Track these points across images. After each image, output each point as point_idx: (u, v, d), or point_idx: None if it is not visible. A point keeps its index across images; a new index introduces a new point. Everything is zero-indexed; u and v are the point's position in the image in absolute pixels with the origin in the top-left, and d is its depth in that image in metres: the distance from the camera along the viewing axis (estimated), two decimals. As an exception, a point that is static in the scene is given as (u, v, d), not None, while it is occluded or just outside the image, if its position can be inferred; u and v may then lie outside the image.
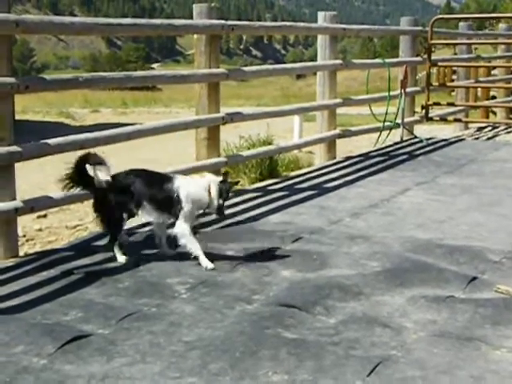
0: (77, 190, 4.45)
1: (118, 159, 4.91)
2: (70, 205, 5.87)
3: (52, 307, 3.66)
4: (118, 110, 25.52)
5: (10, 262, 4.46)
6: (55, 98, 26.74)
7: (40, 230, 6.31)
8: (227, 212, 4.79)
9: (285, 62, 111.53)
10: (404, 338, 3.31)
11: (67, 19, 5.20)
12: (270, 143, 8.49)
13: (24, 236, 5.90)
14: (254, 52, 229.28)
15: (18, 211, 4.57)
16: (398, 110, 9.61)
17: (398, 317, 3.57)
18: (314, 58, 9.59)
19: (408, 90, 9.77)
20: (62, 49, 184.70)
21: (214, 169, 6.52)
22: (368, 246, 4.79)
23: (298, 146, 8.76)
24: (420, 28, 10.53)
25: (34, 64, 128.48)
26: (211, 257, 4.47)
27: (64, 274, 4.18)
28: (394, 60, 10.44)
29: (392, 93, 9.47)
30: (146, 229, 5.24)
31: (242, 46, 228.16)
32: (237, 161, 7.23)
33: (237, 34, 7.63)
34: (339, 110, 8.82)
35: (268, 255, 4.58)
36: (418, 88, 10.61)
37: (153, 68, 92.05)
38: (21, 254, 4.77)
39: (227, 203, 5.62)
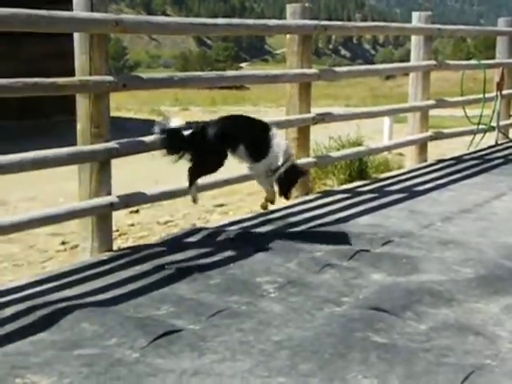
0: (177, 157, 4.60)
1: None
2: (161, 201, 5.97)
3: (144, 301, 3.73)
4: (208, 109, 25.83)
5: (105, 256, 4.58)
6: (147, 96, 27.28)
7: (132, 225, 6.45)
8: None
9: (374, 63, 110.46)
10: (498, 347, 3.22)
11: (163, 19, 5.30)
12: (359, 144, 8.41)
13: (117, 231, 6.03)
14: (343, 52, 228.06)
15: (113, 206, 4.69)
16: (494, 112, 9.36)
17: (492, 325, 3.48)
18: (403, 58, 9.50)
19: (504, 92, 9.51)
20: (153, 47, 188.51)
21: (304, 169, 6.51)
22: (461, 251, 4.68)
23: (389, 148, 8.65)
24: (518, 29, 10.21)
25: (127, 62, 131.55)
26: (299, 258, 4.48)
27: (156, 268, 4.26)
28: (491, 61, 10.18)
29: (487, 95, 9.23)
30: (237, 226, 5.30)
31: (330, 46, 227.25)
32: (326, 161, 7.20)
33: (329, 34, 7.61)
34: (431, 112, 8.66)
35: (357, 257, 4.54)
36: (514, 90, 10.30)
37: (241, 67, 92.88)
38: (114, 248, 4.89)
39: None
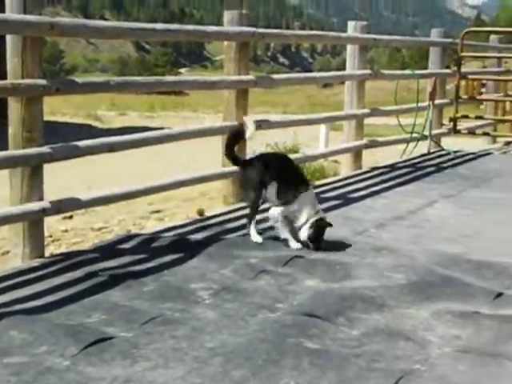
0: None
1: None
2: (95, 207, 5.90)
3: (76, 309, 3.68)
4: (145, 114, 25.68)
5: (36, 263, 4.50)
6: (83, 101, 26.95)
7: (66, 231, 6.35)
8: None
9: (312, 71, 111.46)
10: (428, 353, 3.28)
11: (101, 23, 5.26)
12: (296, 151, 8.49)
13: (50, 237, 5.94)
14: (282, 59, 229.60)
15: (45, 212, 4.61)
16: (426, 121, 9.56)
17: (423, 330, 3.54)
18: (341, 67, 9.60)
19: (436, 101, 9.73)
20: (91, 51, 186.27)
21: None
22: (393, 258, 4.75)
23: (324, 155, 8.75)
24: (450, 40, 10.48)
25: (64, 66, 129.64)
26: (235, 264, 4.48)
27: (89, 275, 4.19)
28: (424, 71, 10.40)
29: (420, 104, 9.43)
30: (171, 233, 5.27)
31: (269, 53, 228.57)
32: (263, 168, 7.21)
33: (267, 41, 7.66)
34: (366, 120, 8.80)
35: (292, 264, 4.57)
36: (446, 100, 10.56)
37: (180, 73, 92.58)
38: (46, 254, 4.81)
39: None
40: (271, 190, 4.89)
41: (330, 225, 4.91)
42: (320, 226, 4.86)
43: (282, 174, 4.90)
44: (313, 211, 4.86)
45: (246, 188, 5.04)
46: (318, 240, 4.86)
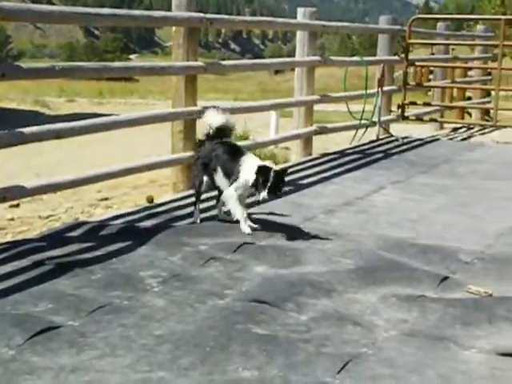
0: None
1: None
2: (42, 195, 5.81)
3: (22, 298, 3.62)
4: (94, 100, 25.37)
5: (-19, 252, 4.41)
6: (31, 86, 26.50)
7: (12, 219, 6.25)
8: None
9: (263, 57, 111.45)
10: (375, 336, 3.32)
11: (46, 7, 5.15)
12: (246, 138, 8.49)
13: (-5, 226, 5.84)
14: (233, 46, 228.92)
15: (-11, 200, 4.52)
16: (375, 108, 9.65)
17: (370, 315, 3.58)
18: (292, 54, 9.60)
19: (385, 88, 9.82)
20: (39, 37, 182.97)
21: (189, 162, 6.50)
22: (341, 243, 4.80)
23: (275, 142, 8.77)
24: (398, 27, 10.57)
25: (11, 51, 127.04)
26: (184, 252, 4.47)
27: (35, 264, 4.13)
28: (372, 58, 10.48)
29: (369, 91, 9.51)
30: (120, 221, 5.22)
31: (220, 40, 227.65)
32: (213, 155, 7.19)
33: (216, 27, 7.61)
34: (316, 107, 8.84)
35: (241, 250, 4.57)
36: (394, 87, 10.66)
37: (130, 59, 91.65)
38: (-8, 243, 4.72)
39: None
40: (218, 176, 4.90)
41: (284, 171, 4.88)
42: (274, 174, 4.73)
43: (224, 158, 4.90)
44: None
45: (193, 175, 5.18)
46: (275, 188, 4.76)
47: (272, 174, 4.69)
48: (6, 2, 4.86)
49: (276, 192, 4.79)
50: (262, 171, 4.70)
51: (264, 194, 4.71)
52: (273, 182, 4.69)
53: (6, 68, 4.90)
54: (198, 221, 5.16)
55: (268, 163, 4.85)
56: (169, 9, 6.50)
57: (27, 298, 3.62)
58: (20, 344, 3.08)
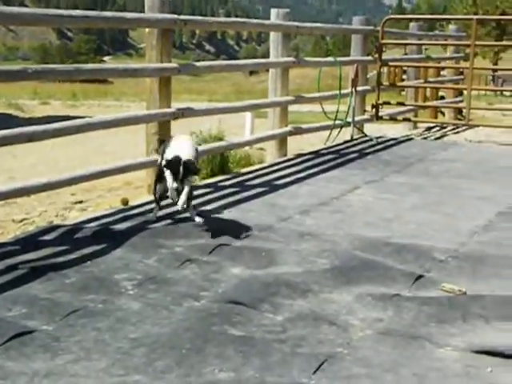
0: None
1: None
2: (16, 198, 5.76)
3: (-5, 303, 3.59)
4: (68, 103, 25.22)
5: (-46, 256, 4.36)
6: (3, 89, 26.25)
7: (-14, 222, 6.18)
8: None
9: (238, 58, 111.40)
10: (350, 336, 3.33)
11: (16, 9, 5.10)
12: (221, 139, 8.46)
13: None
14: (208, 47, 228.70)
15: (-39, 204, 4.47)
16: (349, 108, 9.69)
17: (345, 314, 3.60)
18: (266, 55, 9.62)
19: (359, 88, 9.86)
20: (11, 39, 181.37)
21: (165, 164, 6.48)
22: (317, 243, 4.81)
23: (250, 143, 8.77)
24: (372, 27, 10.63)
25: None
26: (159, 254, 4.46)
27: (9, 268, 4.09)
28: (346, 59, 10.52)
29: (343, 91, 9.54)
30: (95, 223, 5.19)
31: (194, 41, 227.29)
32: (187, 156, 7.17)
33: (190, 28, 7.60)
34: (290, 108, 8.85)
35: (217, 251, 4.57)
36: (368, 87, 10.71)
37: (104, 61, 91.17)
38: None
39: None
40: (168, 179, 4.85)
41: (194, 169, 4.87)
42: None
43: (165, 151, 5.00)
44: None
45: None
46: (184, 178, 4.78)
47: (181, 164, 4.77)
48: (-24, 4, 4.82)
49: (184, 182, 4.80)
50: (171, 164, 4.78)
51: (173, 185, 4.78)
52: (182, 173, 4.76)
53: (-24, 71, 4.85)
54: (154, 218, 5.27)
55: (180, 153, 4.83)
56: (142, 10, 6.47)
57: (0, 303, 3.58)
58: (-7, 349, 3.04)
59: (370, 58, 10.66)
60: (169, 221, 5.31)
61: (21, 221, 6.23)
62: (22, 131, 4.99)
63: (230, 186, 6.75)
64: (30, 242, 4.70)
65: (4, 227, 5.98)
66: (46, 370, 2.89)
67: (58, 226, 5.19)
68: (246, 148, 9.08)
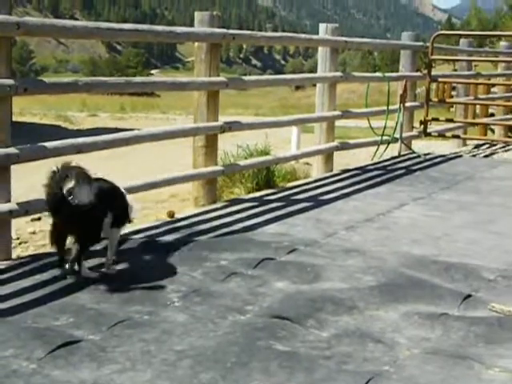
0: None
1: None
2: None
3: (43, 311, 3.63)
4: (116, 115, 25.55)
5: (3, 265, 4.43)
6: (53, 101, 26.75)
7: (34, 232, 6.27)
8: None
9: (284, 73, 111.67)
10: (397, 354, 3.29)
11: (69, 23, 5.19)
12: (267, 153, 8.47)
13: (17, 239, 5.87)
14: (254, 61, 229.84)
15: (12, 214, 4.54)
16: (397, 124, 9.61)
17: (391, 332, 3.55)
18: (313, 70, 9.62)
19: (407, 104, 9.78)
20: (61, 52, 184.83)
21: (211, 177, 6.51)
22: (363, 260, 4.77)
23: (296, 157, 8.75)
24: (421, 43, 10.55)
25: (33, 66, 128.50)
26: (204, 267, 4.46)
27: (56, 278, 4.15)
28: (394, 74, 10.46)
29: (391, 107, 9.48)
30: (141, 235, 5.23)
31: (241, 55, 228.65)
32: (234, 170, 7.21)
33: (238, 43, 7.64)
34: (337, 123, 8.82)
35: (262, 266, 4.56)
36: (417, 103, 10.63)
37: (152, 74, 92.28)
38: (13, 256, 4.74)
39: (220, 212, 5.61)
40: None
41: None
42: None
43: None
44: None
45: None
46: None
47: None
48: (30, 18, 4.91)
49: None
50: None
51: None
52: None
53: (28, 82, 4.94)
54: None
55: None
56: (190, 24, 6.52)
57: (48, 312, 3.63)
58: (41, 357, 3.08)
59: (419, 73, 10.57)
60: (214, 234, 5.32)
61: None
62: (72, 143, 5.06)
63: (276, 200, 6.74)
64: (77, 252, 4.74)
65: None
66: (92, 379, 2.91)
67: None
68: (292, 162, 9.06)
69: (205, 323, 3.57)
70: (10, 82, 4.44)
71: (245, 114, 26.19)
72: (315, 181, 7.91)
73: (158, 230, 5.43)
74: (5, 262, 4.49)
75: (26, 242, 5.94)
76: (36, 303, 3.74)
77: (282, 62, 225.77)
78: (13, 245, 4.83)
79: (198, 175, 6.41)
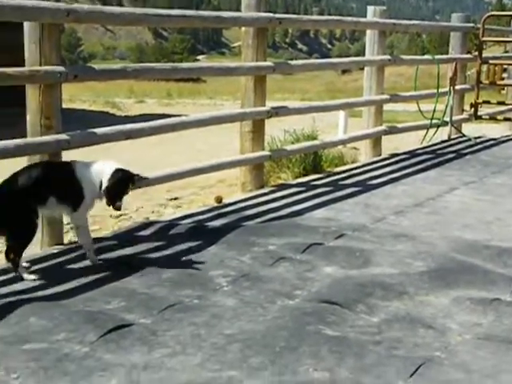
0: None
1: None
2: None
3: (95, 295, 3.68)
4: (163, 101, 25.69)
5: (55, 250, 4.51)
6: (102, 88, 27.02)
7: (84, 218, 6.34)
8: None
9: (330, 57, 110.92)
10: (448, 340, 3.25)
11: (117, 9, 5.23)
12: (314, 138, 8.41)
13: (68, 224, 5.93)
14: (300, 46, 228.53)
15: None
16: (447, 107, 9.46)
17: (442, 318, 3.51)
18: (359, 53, 9.53)
19: (457, 87, 9.62)
20: (108, 39, 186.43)
21: (258, 162, 6.51)
22: (412, 245, 4.72)
23: (343, 142, 8.69)
24: (471, 25, 10.35)
25: (81, 53, 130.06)
26: (253, 252, 4.47)
27: (107, 262, 4.20)
28: (444, 57, 10.28)
29: (441, 90, 9.33)
30: (189, 220, 5.26)
31: (287, 40, 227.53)
32: (280, 155, 7.19)
33: (284, 27, 7.60)
34: (385, 107, 8.72)
35: (310, 251, 4.55)
36: (467, 86, 10.44)
37: (198, 60, 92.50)
38: (65, 241, 4.82)
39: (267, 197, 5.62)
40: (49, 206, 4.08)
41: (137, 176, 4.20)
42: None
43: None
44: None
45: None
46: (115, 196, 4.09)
47: None
48: (79, 5, 4.95)
49: None
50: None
51: None
52: None
53: (78, 69, 5.00)
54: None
55: None
56: (237, 9, 6.51)
57: (99, 296, 3.68)
58: (93, 341, 3.12)
59: (469, 55, 10.38)
60: (261, 219, 5.32)
61: (118, 216, 6.37)
62: (121, 129, 5.11)
63: (323, 185, 6.71)
64: (127, 237, 4.81)
65: (102, 222, 6.13)
66: (144, 363, 2.94)
67: (154, 222, 5.29)
68: (340, 147, 9.00)
69: (254, 307, 3.58)
70: (61, 68, 4.50)
71: (291, 98, 26.08)
72: (363, 165, 7.85)
73: (205, 216, 5.46)
74: (57, 247, 4.57)
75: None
76: (87, 287, 3.80)
77: (329, 46, 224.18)
78: (64, 230, 4.90)
79: (245, 160, 6.41)
